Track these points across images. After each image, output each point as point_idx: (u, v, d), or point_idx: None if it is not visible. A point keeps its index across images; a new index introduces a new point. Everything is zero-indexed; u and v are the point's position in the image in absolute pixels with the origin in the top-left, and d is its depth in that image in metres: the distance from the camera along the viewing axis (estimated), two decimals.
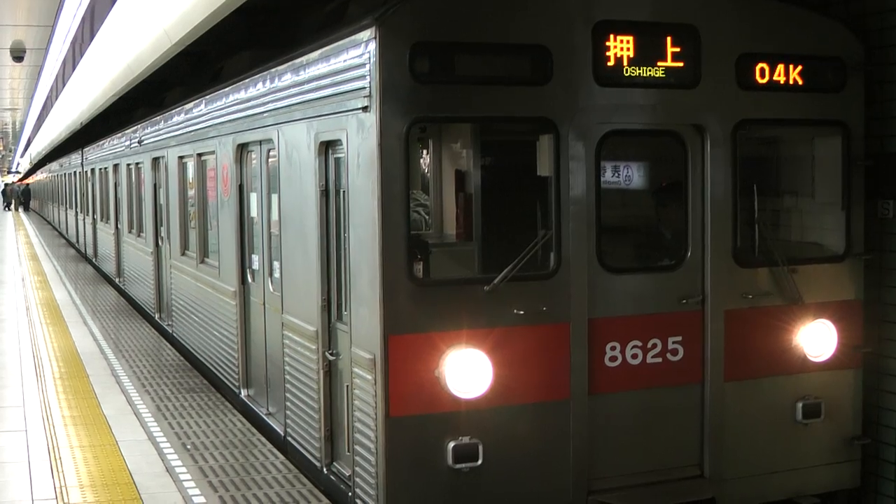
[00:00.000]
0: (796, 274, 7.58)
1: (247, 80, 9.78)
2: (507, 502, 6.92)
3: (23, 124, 49.12)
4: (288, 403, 8.76)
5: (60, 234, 43.08)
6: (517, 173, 8.11)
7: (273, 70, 8.83)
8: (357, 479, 7.13)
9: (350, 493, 7.30)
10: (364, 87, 6.67)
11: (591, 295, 7.03)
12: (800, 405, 7.66)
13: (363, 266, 6.89)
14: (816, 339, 7.66)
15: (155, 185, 16.11)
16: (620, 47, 7.02)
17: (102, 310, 18.58)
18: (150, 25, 12.38)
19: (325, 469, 7.90)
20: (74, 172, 33.15)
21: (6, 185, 52.20)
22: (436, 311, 6.67)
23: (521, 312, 6.81)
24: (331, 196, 7.75)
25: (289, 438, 8.79)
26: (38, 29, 18.69)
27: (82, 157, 29.53)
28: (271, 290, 9.45)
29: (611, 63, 7.00)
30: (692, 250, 7.38)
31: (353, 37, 6.90)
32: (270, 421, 9.56)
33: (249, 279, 10.34)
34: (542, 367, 6.93)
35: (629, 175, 8.53)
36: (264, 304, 9.76)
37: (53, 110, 33.42)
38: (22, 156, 75.68)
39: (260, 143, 9.67)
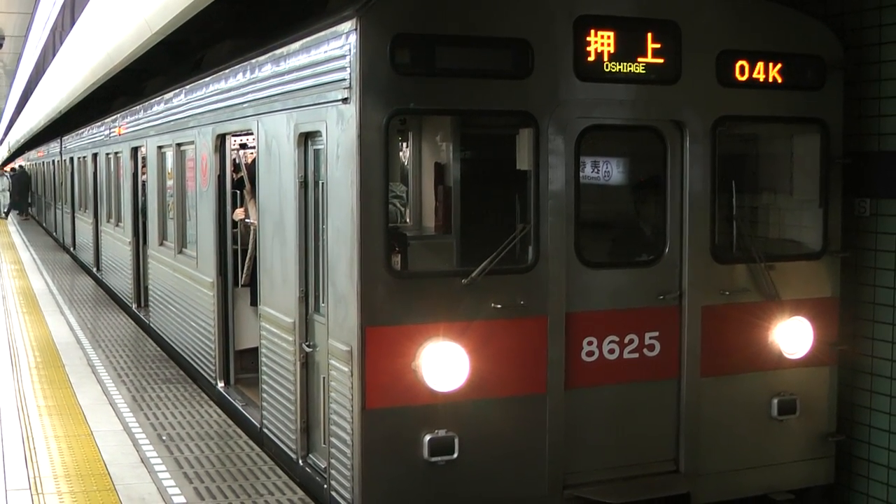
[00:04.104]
0: (773, 271, 7.62)
1: (227, 71, 9.74)
2: (482, 496, 6.93)
3: (1, 112, 48.81)
4: (264, 395, 8.74)
5: (38, 223, 42.84)
6: (496, 167, 8.12)
7: (254, 60, 8.80)
8: (332, 472, 7.12)
9: (325, 486, 7.29)
10: (344, 79, 6.65)
11: (568, 289, 7.03)
12: (775, 401, 7.70)
13: (341, 258, 6.87)
14: (792, 335, 7.69)
15: (134, 174, 16.05)
16: (601, 42, 7.02)
17: (80, 299, 18.48)
18: (130, 14, 12.32)
19: (300, 461, 7.88)
20: (53, 161, 32.97)
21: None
22: (413, 303, 6.67)
23: (499, 306, 6.81)
24: (310, 187, 7.73)
25: (265, 430, 8.78)
26: (18, 16, 18.57)
27: (61, 145, 29.38)
28: None
29: (591, 58, 7.01)
30: (670, 246, 7.40)
31: (334, 28, 6.88)
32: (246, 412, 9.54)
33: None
34: (518, 360, 6.93)
35: (608, 171, 8.54)
36: None
37: (32, 98, 33.22)
38: (0, 143, 75.19)
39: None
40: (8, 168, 54.36)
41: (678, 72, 7.25)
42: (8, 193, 46.03)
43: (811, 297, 7.80)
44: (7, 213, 45.97)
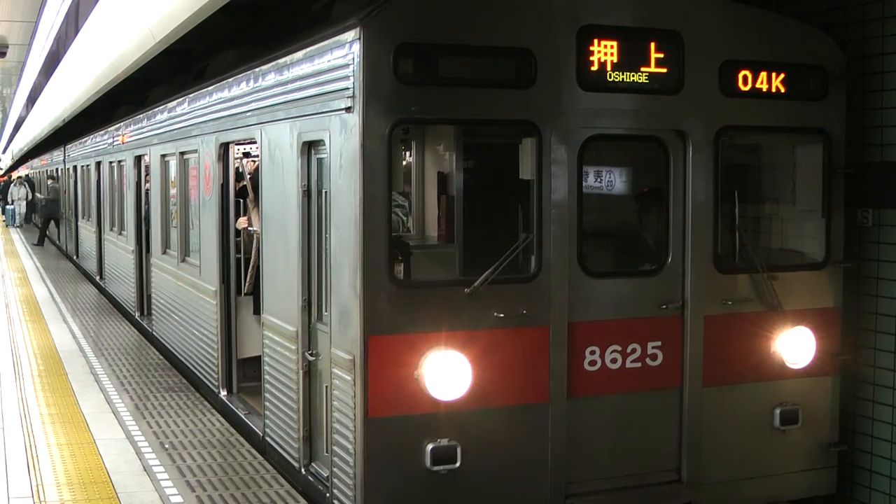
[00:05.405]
0: (776, 281, 7.62)
1: (231, 79, 9.76)
2: None
3: (4, 121, 48.87)
4: (267, 403, 8.74)
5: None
6: (499, 176, 8.13)
7: (257, 69, 8.82)
8: (335, 480, 7.11)
9: (328, 494, 7.29)
10: (347, 88, 6.66)
11: (571, 299, 7.04)
12: (777, 411, 7.69)
13: (344, 267, 6.88)
14: (795, 345, 7.69)
15: (137, 183, 16.07)
16: (604, 52, 7.03)
17: (82, 308, 18.50)
18: (134, 23, 12.35)
19: (303, 470, 7.88)
20: (56, 169, 33.01)
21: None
22: (416, 312, 6.67)
23: (502, 315, 6.81)
24: (313, 196, 7.74)
25: (267, 439, 8.78)
26: (22, 24, 18.60)
27: (64, 154, 29.41)
28: None
29: (594, 67, 7.02)
30: (673, 256, 7.40)
31: (337, 37, 6.90)
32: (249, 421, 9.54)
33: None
34: (521, 370, 6.93)
35: (611, 180, 8.55)
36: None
37: (36, 107, 33.26)
38: (4, 152, 75.30)
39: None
40: (24, 173, 53.89)
41: (681, 81, 7.26)
42: (25, 203, 45.52)
43: (813, 307, 7.79)
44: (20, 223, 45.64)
